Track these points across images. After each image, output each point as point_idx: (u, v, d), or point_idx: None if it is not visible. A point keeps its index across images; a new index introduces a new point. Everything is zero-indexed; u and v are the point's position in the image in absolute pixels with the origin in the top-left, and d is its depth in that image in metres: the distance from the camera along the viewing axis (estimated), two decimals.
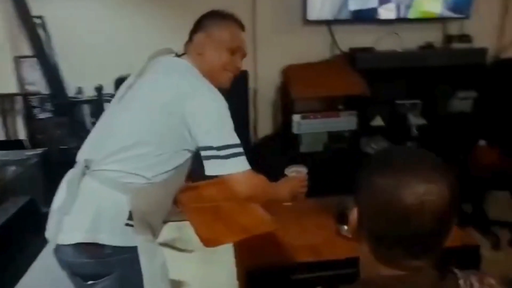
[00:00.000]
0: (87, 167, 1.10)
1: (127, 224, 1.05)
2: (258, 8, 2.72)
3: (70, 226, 1.06)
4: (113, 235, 1.04)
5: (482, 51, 2.69)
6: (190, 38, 1.22)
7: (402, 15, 2.73)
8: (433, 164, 0.68)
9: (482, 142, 2.60)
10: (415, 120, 2.72)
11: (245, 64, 2.68)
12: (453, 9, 2.75)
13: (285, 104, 2.64)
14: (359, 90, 2.40)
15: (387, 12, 2.70)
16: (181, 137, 1.09)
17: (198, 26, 1.22)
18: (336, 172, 2.59)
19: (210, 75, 1.17)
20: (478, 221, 2.45)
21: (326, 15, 2.68)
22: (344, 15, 2.68)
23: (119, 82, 2.43)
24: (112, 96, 2.16)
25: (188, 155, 1.15)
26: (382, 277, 0.68)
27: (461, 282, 0.68)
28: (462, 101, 2.77)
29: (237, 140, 1.08)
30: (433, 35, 2.90)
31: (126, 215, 1.05)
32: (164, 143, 1.08)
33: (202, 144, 1.07)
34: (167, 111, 1.07)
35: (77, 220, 1.05)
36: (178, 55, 1.22)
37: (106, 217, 1.04)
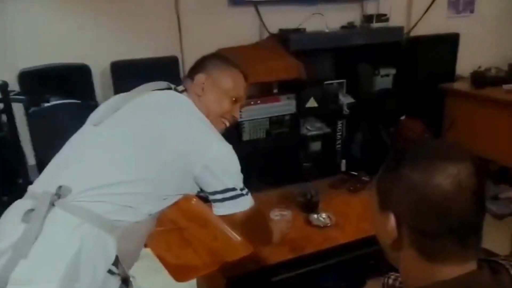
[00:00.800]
0: (58, 195, 0.86)
1: (109, 271, 0.87)
2: None
3: (36, 274, 0.81)
4: (93, 283, 0.84)
5: (399, 30, 2.85)
6: (190, 77, 1.19)
7: None
8: (453, 145, 0.69)
9: (404, 116, 2.81)
10: (345, 99, 2.80)
11: (172, 49, 2.51)
12: None
13: None
14: (296, 73, 2.37)
15: None
16: (186, 183, 1.05)
17: (200, 66, 1.19)
18: (280, 158, 2.57)
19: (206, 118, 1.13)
20: None
21: None
22: None
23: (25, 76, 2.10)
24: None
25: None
26: (441, 283, 0.63)
27: None
28: (384, 78, 2.92)
29: (241, 183, 1.09)
30: (353, 15, 3.00)
31: (111, 260, 0.87)
32: (168, 185, 1.02)
33: (213, 189, 1.06)
34: (181, 158, 1.01)
35: (46, 266, 0.81)
36: (178, 90, 1.16)
37: (88, 262, 0.84)
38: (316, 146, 2.93)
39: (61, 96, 2.12)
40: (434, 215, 0.63)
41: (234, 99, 1.18)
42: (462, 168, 0.62)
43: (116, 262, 0.88)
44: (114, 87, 2.29)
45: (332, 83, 2.88)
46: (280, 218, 1.42)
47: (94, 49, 2.34)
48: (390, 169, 0.70)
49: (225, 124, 1.20)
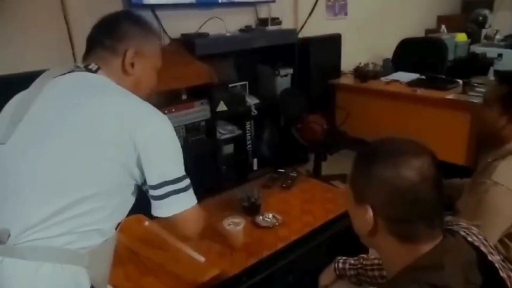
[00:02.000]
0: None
1: None
2: None
3: None
4: None
5: (293, 32, 3.06)
6: (103, 45, 0.96)
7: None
8: (411, 142, 0.79)
9: (305, 113, 3.01)
10: (252, 101, 2.88)
11: (64, 59, 2.23)
12: None
13: None
14: (207, 78, 2.35)
15: None
16: (131, 175, 0.87)
17: (119, 32, 0.96)
18: (199, 164, 2.51)
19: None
20: (318, 177, 2.87)
21: None
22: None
23: None
24: None
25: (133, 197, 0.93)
26: (425, 257, 0.73)
27: (468, 239, 0.79)
28: (283, 78, 3.10)
29: (183, 169, 0.93)
30: (248, 19, 3.10)
31: None
32: (119, 187, 0.85)
33: (156, 180, 0.87)
34: (113, 146, 0.83)
35: None
36: (92, 70, 0.94)
37: None
38: (228, 149, 2.96)
39: None
40: (406, 203, 0.73)
41: (158, 69, 1.07)
42: (423, 161, 0.73)
43: None
44: None
45: (236, 86, 2.94)
46: (234, 226, 1.39)
47: None
48: (362, 167, 0.79)
49: (149, 97, 1.06)
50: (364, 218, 0.77)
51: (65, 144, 0.81)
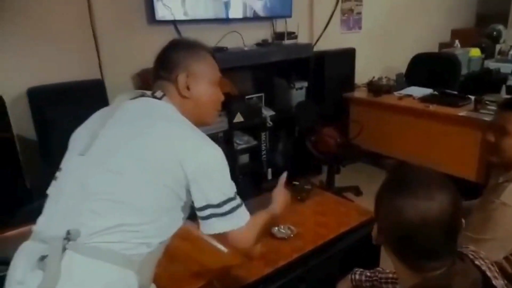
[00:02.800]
0: (69, 239, 0.84)
1: None
2: (94, 6, 2.37)
3: None
4: None
5: (309, 46, 3.15)
6: (161, 77, 1.05)
7: (241, 15, 2.90)
8: (432, 181, 0.82)
9: (320, 125, 3.10)
10: (268, 112, 2.98)
11: (91, 71, 2.36)
12: (278, 9, 3.10)
13: None
14: (228, 89, 2.45)
15: (231, 12, 2.82)
16: (180, 199, 0.96)
17: (169, 62, 1.04)
18: None
19: (198, 117, 1.06)
20: (331, 189, 2.94)
21: (170, 15, 2.58)
22: (189, 15, 2.66)
23: None
24: None
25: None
26: (434, 279, 0.80)
27: (476, 262, 0.86)
28: (298, 91, 3.19)
29: (235, 190, 0.99)
30: (264, 33, 3.20)
31: None
32: (169, 210, 0.95)
33: (201, 204, 0.94)
34: (167, 174, 0.92)
35: None
36: (157, 97, 1.03)
37: None
38: (244, 158, 3.06)
39: None
40: (406, 241, 0.81)
41: (216, 83, 1.11)
42: (429, 207, 0.77)
43: None
44: (33, 114, 2.07)
45: (252, 98, 3.05)
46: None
47: (6, 76, 2.08)
48: (383, 191, 0.86)
49: (217, 113, 1.15)
50: (375, 231, 0.87)
51: (129, 168, 0.90)
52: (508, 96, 2.60)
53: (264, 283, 1.40)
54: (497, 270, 0.85)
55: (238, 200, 0.98)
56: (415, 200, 0.78)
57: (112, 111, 0.99)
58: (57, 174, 0.99)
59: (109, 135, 0.95)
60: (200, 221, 0.96)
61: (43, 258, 0.84)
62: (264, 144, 3.07)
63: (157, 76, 1.06)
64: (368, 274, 1.30)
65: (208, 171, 0.94)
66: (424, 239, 0.79)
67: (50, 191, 0.98)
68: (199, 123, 1.05)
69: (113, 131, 0.95)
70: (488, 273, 0.82)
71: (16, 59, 2.14)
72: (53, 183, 0.98)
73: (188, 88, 1.04)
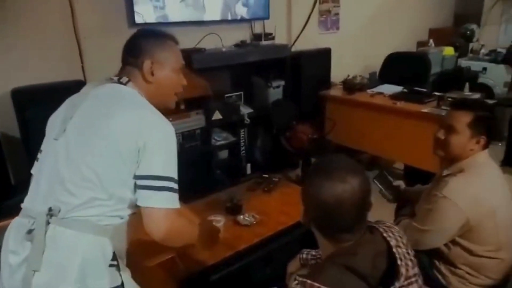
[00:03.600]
0: (51, 215, 1.00)
1: (110, 265, 1.03)
2: (76, 10, 2.50)
3: (52, 281, 0.97)
4: (102, 279, 1.00)
5: (285, 47, 3.30)
6: (129, 63, 1.15)
7: (220, 17, 3.04)
8: (345, 167, 0.97)
9: (295, 122, 3.25)
10: (246, 110, 3.12)
11: (74, 72, 2.48)
12: (256, 12, 3.24)
13: None
14: (203, 90, 2.59)
15: (208, 15, 2.96)
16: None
17: (136, 50, 1.14)
18: (195, 168, 2.75)
19: (159, 100, 1.16)
20: None
21: (150, 18, 2.71)
22: (168, 18, 2.79)
23: None
24: None
25: None
26: (346, 247, 0.96)
27: (384, 234, 1.01)
28: (275, 90, 3.34)
29: (175, 175, 1.05)
30: (243, 34, 3.34)
31: (110, 256, 1.02)
32: (131, 183, 1.04)
33: (142, 172, 1.02)
34: (124, 149, 1.02)
35: (60, 274, 0.97)
36: (122, 83, 1.13)
37: (93, 263, 1.00)
38: (223, 154, 3.21)
39: None
40: (326, 219, 0.96)
41: (179, 70, 1.20)
42: (343, 189, 0.92)
43: (115, 257, 1.03)
44: (17, 114, 2.20)
45: (231, 96, 3.19)
46: (215, 223, 1.61)
47: None
48: (307, 176, 1.01)
49: (177, 97, 1.23)
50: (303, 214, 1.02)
51: (94, 148, 1.02)
52: (461, 96, 2.76)
53: (225, 265, 1.55)
54: (404, 242, 1.00)
55: (176, 186, 1.04)
56: (332, 183, 0.93)
57: (81, 98, 1.11)
58: (38, 155, 1.14)
59: (78, 120, 1.07)
60: (137, 190, 1.02)
61: (30, 231, 1.00)
62: (243, 141, 3.21)
63: (125, 61, 1.16)
64: (313, 253, 1.45)
65: (158, 145, 1.03)
66: (339, 216, 0.94)
67: (33, 171, 1.13)
68: (161, 106, 1.15)
69: (82, 116, 1.07)
70: (392, 243, 0.97)
71: (0, 60, 2.26)
72: (35, 163, 1.14)
73: (152, 74, 1.13)
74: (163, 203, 1.02)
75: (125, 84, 1.13)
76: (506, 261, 1.44)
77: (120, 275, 1.04)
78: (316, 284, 0.88)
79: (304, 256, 1.49)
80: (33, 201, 1.07)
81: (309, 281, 0.89)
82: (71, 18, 2.49)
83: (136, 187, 1.03)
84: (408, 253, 0.99)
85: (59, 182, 1.03)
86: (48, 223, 0.99)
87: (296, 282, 0.92)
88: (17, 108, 2.20)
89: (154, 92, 1.15)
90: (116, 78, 1.14)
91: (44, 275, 0.97)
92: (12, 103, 2.19)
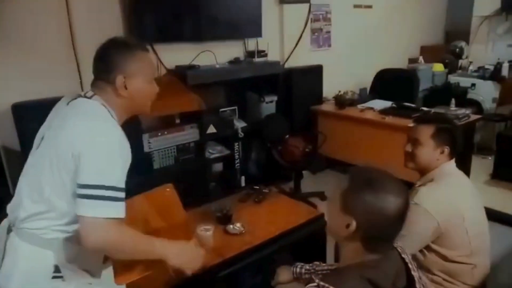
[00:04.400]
0: (11, 224, 1.10)
1: (54, 277, 1.08)
2: (75, 27, 2.61)
3: (4, 283, 1.08)
4: None
5: (277, 64, 3.42)
6: (100, 77, 1.16)
7: (214, 35, 3.16)
8: (396, 181, 0.99)
9: (287, 135, 3.34)
10: (239, 124, 3.22)
11: (73, 87, 2.58)
12: (249, 30, 3.36)
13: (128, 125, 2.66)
14: (197, 105, 2.69)
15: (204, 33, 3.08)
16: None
17: (107, 63, 1.14)
18: (189, 180, 2.83)
19: (135, 110, 1.22)
20: (297, 195, 3.17)
21: (147, 35, 2.82)
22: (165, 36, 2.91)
23: None
24: None
25: None
26: (374, 261, 0.98)
27: (403, 255, 1.05)
28: (268, 104, 3.44)
29: (119, 183, 1.04)
30: (237, 51, 3.46)
31: (51, 269, 1.08)
32: (69, 196, 1.07)
33: (78, 181, 1.01)
34: (63, 159, 1.04)
35: (8, 278, 1.08)
36: (87, 97, 1.15)
37: (33, 274, 1.07)
38: (218, 167, 3.29)
39: None
40: (384, 229, 0.97)
41: (151, 79, 1.20)
42: (400, 202, 0.95)
43: (57, 270, 1.08)
44: (17, 127, 2.29)
45: (226, 110, 3.29)
46: (204, 232, 1.69)
47: None
48: (357, 189, 0.98)
49: (150, 103, 1.24)
50: (344, 225, 0.97)
51: (43, 161, 1.07)
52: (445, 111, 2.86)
53: (214, 272, 1.62)
54: (415, 266, 1.06)
55: (116, 195, 1.02)
56: (391, 196, 0.95)
57: (54, 114, 1.19)
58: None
59: (49, 135, 1.13)
60: (75, 199, 1.01)
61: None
62: (237, 154, 3.29)
63: (96, 75, 1.17)
64: (307, 267, 1.47)
65: (94, 153, 1.02)
66: (390, 226, 0.97)
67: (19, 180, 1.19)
68: (138, 113, 1.23)
69: (51, 132, 1.12)
70: (409, 265, 1.03)
71: (1, 76, 2.36)
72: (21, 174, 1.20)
73: (125, 88, 1.14)
74: (95, 212, 0.99)
75: (90, 98, 1.14)
76: (480, 266, 1.51)
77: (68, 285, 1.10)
78: None
79: (298, 270, 1.50)
80: (10, 209, 1.17)
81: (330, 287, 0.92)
82: (70, 37, 2.60)
83: (76, 196, 1.02)
84: (420, 277, 1.05)
85: (18, 193, 1.13)
86: (9, 231, 1.10)
87: (316, 284, 0.94)
88: (17, 122, 2.29)
89: (128, 104, 1.17)
90: (83, 93, 1.16)
91: (2, 277, 1.09)
92: (12, 117, 2.29)
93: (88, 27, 2.65)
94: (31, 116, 2.28)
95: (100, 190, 1.00)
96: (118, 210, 1.03)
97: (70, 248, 1.10)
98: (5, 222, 1.15)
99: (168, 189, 1.70)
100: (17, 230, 1.09)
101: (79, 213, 1.00)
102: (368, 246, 0.99)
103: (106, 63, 1.14)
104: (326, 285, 0.93)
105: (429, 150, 1.55)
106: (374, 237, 0.98)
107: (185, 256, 1.23)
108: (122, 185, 1.05)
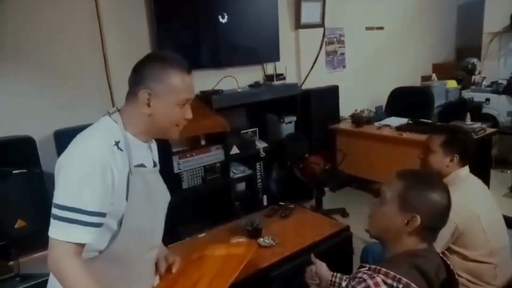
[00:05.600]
0: None
1: None
2: (109, 58, 2.82)
3: None
4: None
5: (295, 85, 3.58)
6: (131, 90, 1.11)
7: (235, 61, 3.35)
8: (440, 179, 1.20)
9: (307, 154, 3.46)
10: (261, 144, 3.36)
11: (104, 107, 2.77)
12: (268, 55, 3.55)
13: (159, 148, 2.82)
14: (222, 127, 2.84)
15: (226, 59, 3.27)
16: None
17: (139, 77, 1.08)
18: (215, 199, 2.96)
19: (158, 131, 1.14)
20: (319, 212, 3.25)
21: None
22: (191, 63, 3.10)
23: None
24: None
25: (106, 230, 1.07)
26: (422, 250, 1.11)
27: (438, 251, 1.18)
28: (287, 125, 3.58)
29: (88, 206, 0.97)
30: (256, 75, 3.65)
31: None
32: None
33: (53, 199, 0.99)
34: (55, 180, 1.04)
35: None
36: (110, 113, 1.12)
37: None
38: (241, 186, 3.41)
39: (8, 167, 2.24)
40: (442, 220, 1.12)
41: (181, 103, 1.09)
42: (448, 196, 1.10)
43: None
44: (58, 153, 2.47)
45: (247, 132, 3.44)
46: (238, 242, 1.80)
47: (36, 119, 2.51)
48: (419, 188, 1.11)
49: (179, 129, 1.15)
50: (404, 222, 1.08)
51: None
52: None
53: (250, 281, 1.72)
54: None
55: (83, 217, 0.96)
56: (444, 191, 1.11)
57: None
58: None
59: None
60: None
61: None
62: (259, 173, 3.42)
63: (129, 87, 1.11)
64: (343, 277, 1.50)
65: (66, 173, 0.98)
66: (444, 216, 1.11)
67: None
68: (161, 136, 1.16)
69: None
70: (447, 261, 1.15)
71: (44, 104, 2.57)
72: None
73: (148, 105, 1.06)
74: (52, 232, 0.97)
75: (110, 114, 1.11)
76: (502, 266, 1.58)
77: None
78: (392, 273, 1.01)
79: (337, 280, 1.50)
80: None
81: (383, 269, 1.03)
82: (104, 66, 2.81)
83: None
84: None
85: None
86: None
87: (367, 268, 1.05)
88: (59, 148, 2.47)
89: (150, 123, 1.10)
90: (109, 111, 1.13)
91: None
92: (54, 144, 2.47)
93: (119, 56, 2.84)
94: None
95: (62, 211, 0.96)
96: (74, 234, 0.96)
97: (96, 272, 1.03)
98: None
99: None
100: None
101: (51, 235, 0.97)
102: (423, 235, 1.10)
103: (136, 74, 1.09)
104: (378, 267, 1.03)
105: (440, 157, 1.70)
106: (430, 227, 1.11)
107: None
108: (93, 209, 0.98)
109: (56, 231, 0.96)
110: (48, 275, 1.14)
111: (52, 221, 0.97)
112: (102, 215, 1.01)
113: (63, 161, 1.02)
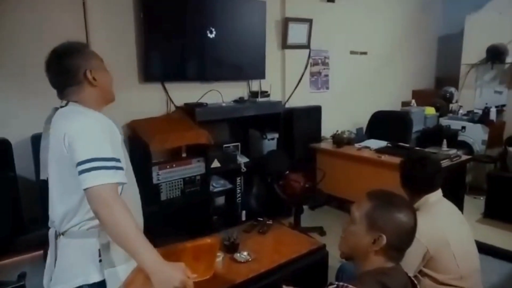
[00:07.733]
0: (57, 231, 1.26)
1: (100, 260, 1.22)
2: None
3: (61, 276, 1.24)
4: (96, 273, 1.22)
5: (279, 103, 3.62)
6: (68, 84, 1.27)
7: (221, 76, 3.38)
8: (406, 199, 1.21)
9: (288, 171, 3.48)
10: (242, 159, 3.36)
11: None
12: (253, 72, 3.60)
13: (139, 157, 2.79)
14: (205, 139, 2.84)
15: (212, 74, 3.31)
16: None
17: (70, 69, 1.27)
18: (194, 211, 2.93)
19: (106, 98, 1.35)
20: (297, 228, 3.25)
21: (159, 76, 3.04)
22: (175, 76, 3.13)
23: None
24: None
25: None
26: (389, 268, 1.14)
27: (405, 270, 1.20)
28: (270, 141, 3.61)
29: (105, 154, 1.13)
30: (241, 91, 3.68)
31: (97, 253, 1.22)
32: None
33: (74, 161, 1.12)
34: (61, 156, 1.16)
35: (63, 272, 1.24)
36: (62, 106, 1.28)
37: (84, 261, 1.22)
38: (220, 200, 3.39)
39: None
40: (407, 240, 1.14)
41: (105, 67, 1.35)
42: (413, 216, 1.13)
43: (100, 254, 1.22)
44: (35, 158, 2.41)
45: (229, 146, 3.45)
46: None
47: (13, 123, 2.46)
48: (384, 209, 1.13)
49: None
50: (371, 241, 1.11)
51: (50, 168, 1.25)
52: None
53: None
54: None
55: (110, 163, 1.12)
56: (410, 211, 1.14)
57: (44, 136, 1.33)
58: None
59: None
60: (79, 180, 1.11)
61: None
62: (239, 188, 3.41)
63: (63, 86, 1.28)
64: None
65: (77, 135, 1.14)
66: (410, 236, 1.13)
67: None
68: (108, 101, 1.36)
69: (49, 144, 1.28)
70: (414, 281, 1.17)
71: (21, 109, 2.53)
72: None
73: (95, 79, 1.28)
74: (97, 180, 1.09)
75: (65, 106, 1.27)
76: None
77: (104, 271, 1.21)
78: None
79: None
80: (50, 220, 1.33)
81: (350, 286, 1.04)
82: None
83: (78, 175, 1.11)
84: None
85: (51, 204, 1.29)
86: (56, 237, 1.27)
87: (335, 286, 1.06)
88: (35, 152, 2.41)
89: (100, 93, 1.31)
90: (59, 106, 1.29)
91: (60, 275, 1.25)
92: (31, 148, 2.42)
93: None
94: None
95: (94, 162, 1.10)
96: (114, 176, 1.12)
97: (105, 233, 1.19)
98: (51, 230, 1.30)
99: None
100: (61, 233, 1.24)
101: (84, 186, 1.09)
102: (389, 255, 1.13)
103: (69, 69, 1.27)
104: (345, 284, 1.05)
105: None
106: (396, 247, 1.13)
107: (163, 271, 1.08)
108: (113, 155, 1.15)
109: (100, 177, 1.09)
110: (15, 282, 1.23)
111: (89, 173, 1.09)
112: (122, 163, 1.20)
113: (69, 135, 1.15)
